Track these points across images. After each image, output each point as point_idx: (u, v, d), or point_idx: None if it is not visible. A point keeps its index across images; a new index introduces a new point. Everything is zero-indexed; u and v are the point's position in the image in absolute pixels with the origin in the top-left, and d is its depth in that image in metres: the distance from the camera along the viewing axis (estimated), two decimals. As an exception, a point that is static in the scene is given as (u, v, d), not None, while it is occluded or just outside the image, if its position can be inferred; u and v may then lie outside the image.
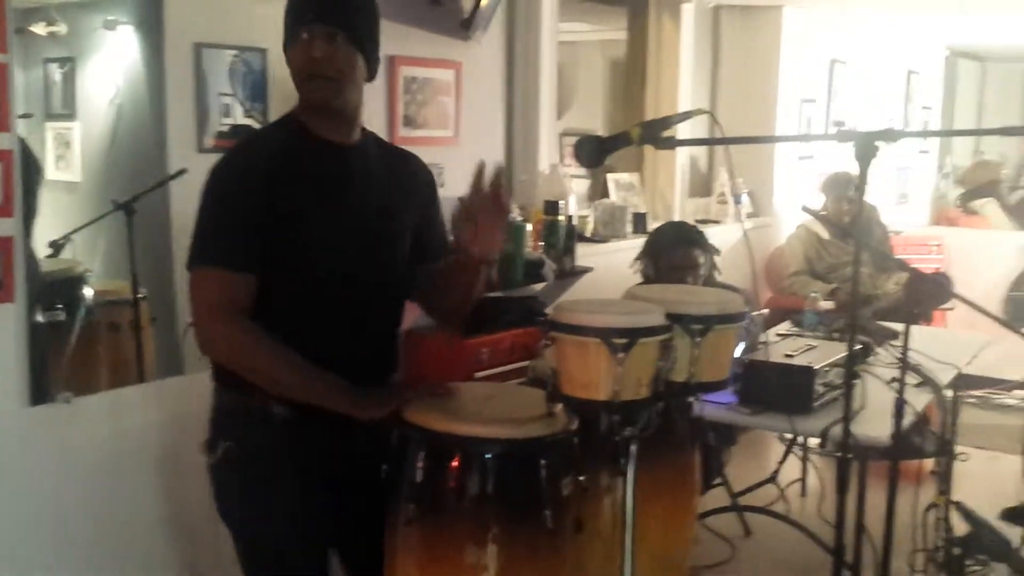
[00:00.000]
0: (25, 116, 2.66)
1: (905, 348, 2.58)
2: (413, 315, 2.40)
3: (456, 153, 3.79)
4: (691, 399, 2.26)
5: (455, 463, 1.83)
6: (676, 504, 2.25)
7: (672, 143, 2.09)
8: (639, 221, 4.77)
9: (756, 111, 5.77)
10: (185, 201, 1.93)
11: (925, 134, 7.78)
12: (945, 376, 3.33)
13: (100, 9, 3.08)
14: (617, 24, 5.62)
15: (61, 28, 3.03)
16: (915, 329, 3.30)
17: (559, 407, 1.95)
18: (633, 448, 1.96)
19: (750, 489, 4.17)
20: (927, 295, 3.15)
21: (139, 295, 3.05)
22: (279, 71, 2.00)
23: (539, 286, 3.70)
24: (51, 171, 3.11)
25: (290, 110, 2.05)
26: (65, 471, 2.59)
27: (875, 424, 2.70)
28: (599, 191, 5.11)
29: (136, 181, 3.02)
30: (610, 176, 5.06)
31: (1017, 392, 5.43)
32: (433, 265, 2.19)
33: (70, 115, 3.14)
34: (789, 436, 4.12)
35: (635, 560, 1.98)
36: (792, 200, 5.80)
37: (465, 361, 3.03)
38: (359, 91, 2.02)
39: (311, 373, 1.92)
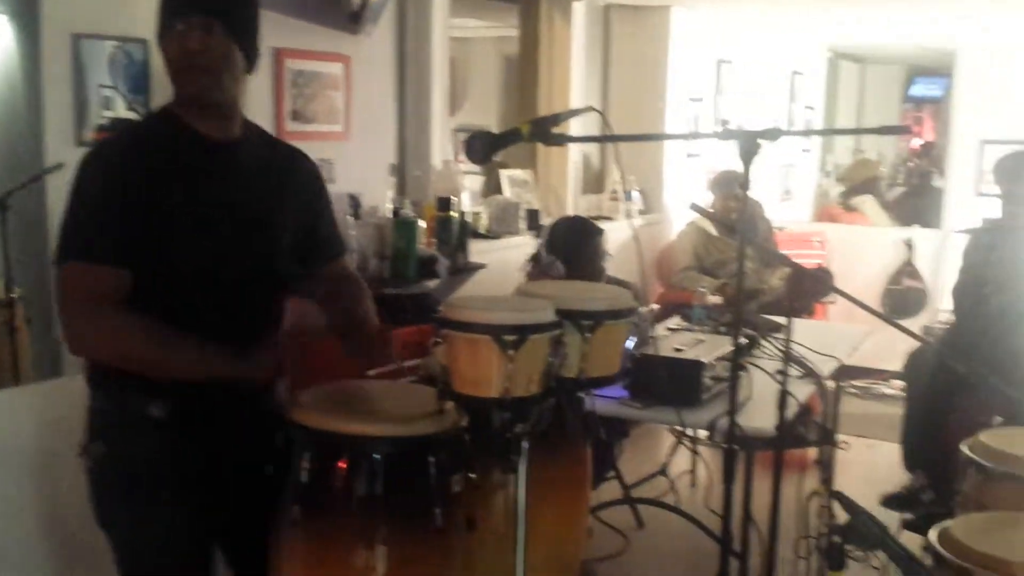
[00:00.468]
0: None
1: (788, 341, 2.64)
2: (300, 312, 2.36)
3: (346, 148, 3.74)
4: (582, 394, 2.28)
5: (342, 463, 1.81)
6: (568, 499, 2.27)
7: (562, 139, 2.10)
8: (532, 217, 4.79)
9: (646, 109, 5.86)
10: (62, 197, 1.86)
11: (806, 133, 8.03)
12: (827, 367, 3.43)
13: (-29, -3, 2.95)
14: (509, 21, 5.63)
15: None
16: (798, 322, 3.40)
17: (450, 404, 1.95)
18: (524, 444, 1.96)
19: (642, 481, 4.23)
20: (808, 289, 3.25)
21: (13, 295, 2.94)
22: (161, 62, 1.94)
23: (432, 283, 3.68)
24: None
25: (166, 103, 1.99)
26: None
27: (760, 415, 2.76)
28: (492, 187, 5.11)
29: (10, 176, 2.91)
30: (503, 172, 5.07)
31: (895, 382, 5.65)
32: (328, 270, 2.18)
33: (-60, 107, 3.00)
34: (679, 428, 4.20)
35: (527, 556, 1.99)
36: (682, 197, 5.91)
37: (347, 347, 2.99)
38: (238, 84, 1.97)
39: (188, 344, 1.88)
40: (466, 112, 6.70)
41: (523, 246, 3.93)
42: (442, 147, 4.40)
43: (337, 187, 3.64)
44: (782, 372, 2.60)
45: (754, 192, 6.13)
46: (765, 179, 7.05)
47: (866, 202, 7.88)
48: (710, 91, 6.43)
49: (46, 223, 2.83)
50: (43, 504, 2.72)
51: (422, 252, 3.70)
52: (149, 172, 1.88)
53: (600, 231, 3.79)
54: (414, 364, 2.33)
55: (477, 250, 4.10)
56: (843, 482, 2.99)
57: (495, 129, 2.51)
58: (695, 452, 4.47)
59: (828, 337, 3.76)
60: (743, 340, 3.30)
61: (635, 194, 5.67)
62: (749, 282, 5.23)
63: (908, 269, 6.56)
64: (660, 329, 3.62)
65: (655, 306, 3.85)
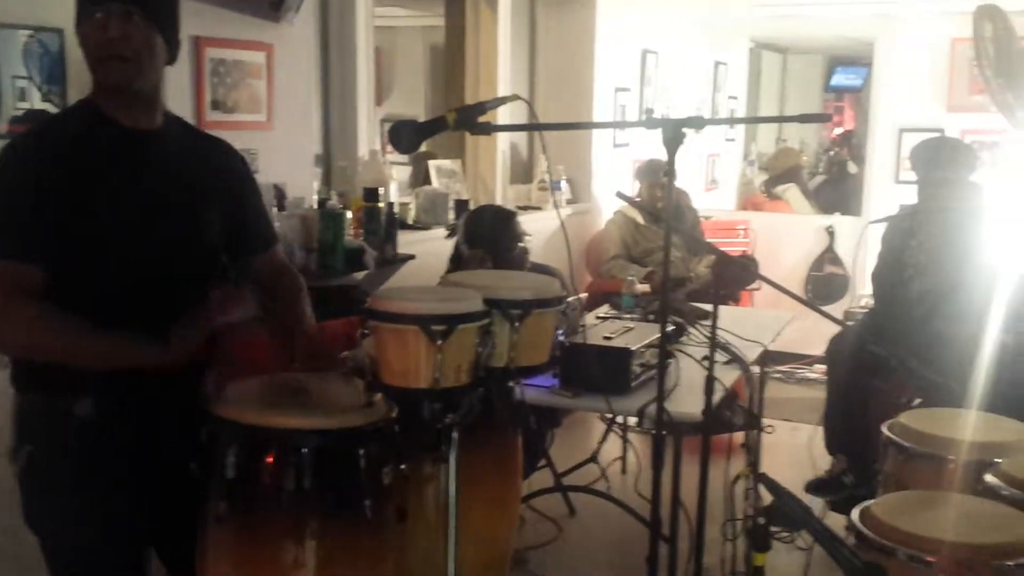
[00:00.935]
0: None
1: (714, 327, 2.68)
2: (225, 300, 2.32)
3: (270, 138, 3.68)
4: (512, 383, 2.28)
5: (269, 457, 1.78)
6: (499, 488, 2.27)
7: (488, 128, 2.10)
8: (461, 208, 4.77)
9: (573, 98, 5.88)
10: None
11: (729, 121, 8.14)
12: (752, 353, 3.49)
13: None
14: (436, 10, 5.60)
15: None
16: (724, 309, 3.45)
17: (379, 396, 1.93)
18: (455, 435, 1.96)
19: (573, 469, 4.26)
20: (734, 277, 3.29)
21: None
22: (77, 52, 1.89)
23: (360, 274, 3.65)
24: None
25: (86, 95, 1.95)
26: None
27: (688, 401, 2.80)
28: (421, 178, 5.08)
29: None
30: (432, 163, 5.05)
31: (817, 366, 5.77)
32: (260, 263, 2.15)
33: None
34: (609, 416, 4.23)
35: (459, 546, 1.99)
36: (609, 187, 5.94)
37: (283, 352, 2.95)
38: (159, 73, 1.94)
39: (103, 332, 1.85)
40: (393, 102, 6.65)
41: (453, 237, 3.91)
42: (369, 137, 4.36)
43: (261, 178, 3.54)
44: (709, 358, 2.63)
45: (680, 181, 6.21)
46: (691, 168, 7.13)
47: (789, 190, 8.02)
48: (636, 81, 6.48)
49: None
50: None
51: (349, 243, 3.67)
52: (68, 166, 1.84)
53: (513, 214, 3.82)
54: (343, 356, 2.31)
55: (406, 241, 4.08)
56: (769, 465, 3.04)
57: (422, 119, 2.50)
58: (625, 439, 4.51)
59: (753, 323, 3.83)
60: (671, 327, 3.36)
61: (563, 184, 5.69)
62: (676, 270, 5.30)
63: (829, 256, 6.70)
64: (589, 318, 3.65)
65: (584, 295, 3.87)
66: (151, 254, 1.93)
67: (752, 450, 3.84)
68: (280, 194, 3.62)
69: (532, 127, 3.92)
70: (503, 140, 5.45)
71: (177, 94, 3.29)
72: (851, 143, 9.67)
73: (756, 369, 3.79)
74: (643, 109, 6.60)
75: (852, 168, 8.59)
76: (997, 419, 2.72)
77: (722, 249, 3.12)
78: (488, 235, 3.64)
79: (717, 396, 2.75)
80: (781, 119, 10.08)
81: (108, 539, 1.93)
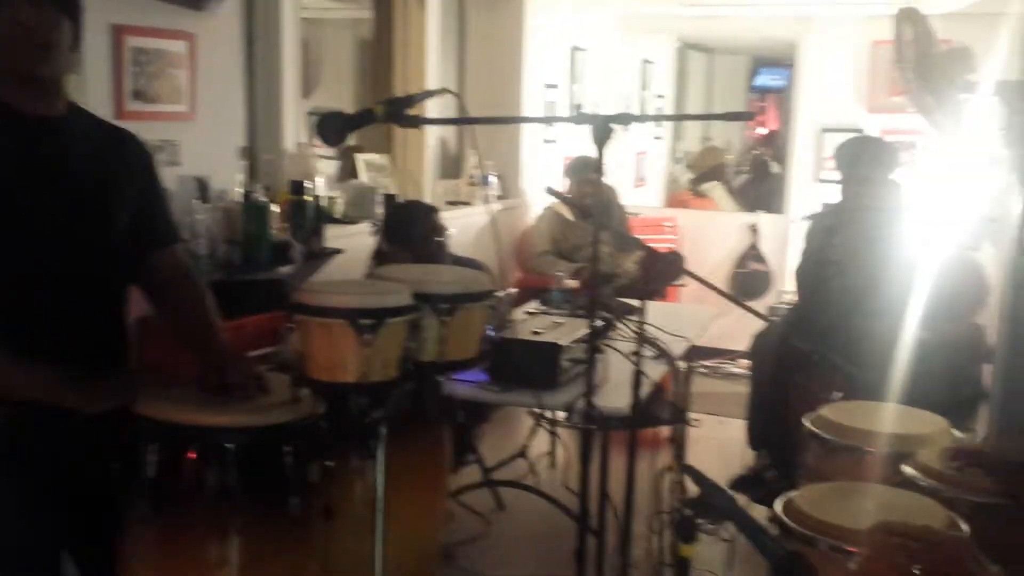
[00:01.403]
0: None
1: (642, 323, 2.70)
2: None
3: (192, 129, 3.60)
4: (441, 378, 2.27)
5: (191, 455, 1.74)
6: (427, 484, 2.26)
7: (416, 121, 2.08)
8: (389, 202, 4.73)
9: (502, 94, 5.88)
10: None
11: (656, 118, 8.23)
12: (678, 348, 3.53)
13: None
14: (364, 3, 5.54)
15: None
16: (651, 305, 3.48)
17: (305, 392, 1.90)
18: (382, 430, 1.94)
19: (502, 464, 4.26)
20: (661, 272, 3.33)
21: None
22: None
23: (286, 269, 3.59)
24: None
25: None
26: None
27: (616, 396, 2.81)
28: (348, 172, 5.03)
29: None
30: (359, 156, 4.99)
31: (742, 361, 5.86)
32: (160, 260, 2.09)
33: None
34: (538, 411, 4.24)
35: (386, 542, 1.97)
36: (539, 183, 5.96)
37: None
38: (67, 60, 1.88)
39: (19, 368, 1.78)
40: (320, 95, 6.54)
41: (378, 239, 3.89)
42: (295, 130, 4.29)
43: (183, 170, 3.50)
44: (636, 353, 2.65)
45: (609, 178, 6.25)
46: (619, 166, 7.19)
47: (714, 188, 8.15)
48: (565, 78, 6.50)
49: None
50: None
51: (275, 237, 3.61)
52: None
53: (431, 209, 3.82)
54: (268, 352, 2.27)
55: (333, 235, 4.03)
56: (695, 459, 3.07)
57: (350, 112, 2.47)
58: (554, 434, 4.53)
59: (679, 319, 3.87)
60: (599, 323, 3.37)
61: (493, 179, 5.69)
62: (605, 266, 5.33)
63: (753, 253, 6.81)
64: (519, 313, 3.65)
65: (513, 290, 3.87)
66: (54, 247, 1.86)
67: (678, 444, 3.89)
68: (203, 186, 3.54)
69: (461, 121, 3.92)
70: (432, 135, 5.42)
71: (96, 83, 3.20)
72: (774, 143, 9.85)
73: (682, 364, 3.83)
74: (572, 105, 6.62)
75: (775, 168, 8.75)
76: (914, 412, 2.79)
77: (649, 245, 3.15)
78: (405, 230, 3.65)
79: (644, 391, 2.77)
80: (707, 116, 10.19)
81: (21, 543, 1.87)
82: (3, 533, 1.85)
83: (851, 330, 3.74)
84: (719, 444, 4.67)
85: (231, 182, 3.79)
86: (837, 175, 4.05)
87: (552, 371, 2.97)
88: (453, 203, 5.33)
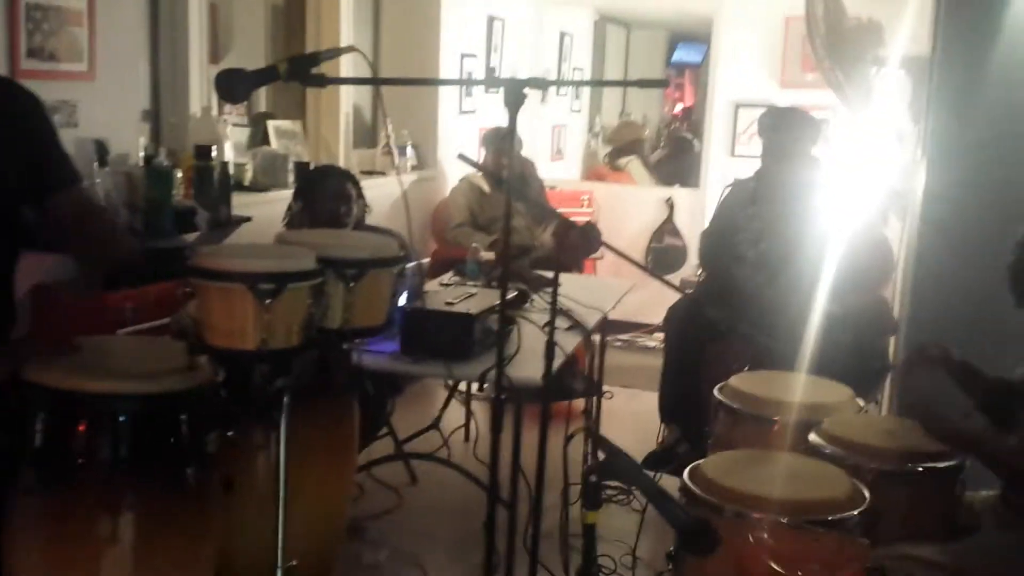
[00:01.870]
0: None
1: (555, 294, 2.67)
2: (44, 268, 2.17)
3: (91, 89, 3.45)
4: (350, 347, 2.21)
5: (81, 425, 1.66)
6: (333, 456, 2.21)
7: (322, 81, 2.01)
8: (301, 170, 4.63)
9: (419, 63, 5.78)
10: None
11: (570, 83, 8.19)
12: (593, 320, 3.52)
13: None
14: (276, -34, 5.40)
15: None
16: (567, 276, 3.47)
17: (203, 359, 1.83)
18: (286, 399, 1.89)
19: (414, 436, 4.21)
20: (576, 243, 3.30)
21: None
22: None
23: (191, 236, 3.48)
24: None
25: None
26: None
27: (529, 367, 2.79)
28: (260, 139, 4.89)
29: None
30: (271, 123, 4.87)
31: (657, 335, 5.91)
32: (63, 201, 1.97)
33: None
34: (453, 382, 4.21)
35: (289, 516, 1.91)
36: (456, 153, 5.90)
37: (106, 317, 2.79)
38: None
39: None
40: (231, 60, 6.37)
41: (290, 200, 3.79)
42: (202, 94, 4.16)
43: (80, 131, 3.35)
44: (550, 324, 2.63)
45: (527, 151, 6.22)
46: (537, 138, 7.15)
47: (631, 163, 8.17)
48: (482, 47, 6.43)
49: None
50: None
51: (179, 204, 3.49)
52: None
53: (345, 174, 3.76)
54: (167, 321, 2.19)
55: (242, 203, 3.92)
56: (609, 431, 3.07)
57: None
58: (468, 407, 4.50)
59: (594, 291, 3.86)
60: (513, 294, 3.35)
61: (409, 149, 5.61)
62: (521, 238, 5.31)
63: (669, 227, 6.86)
64: (433, 284, 3.60)
65: (425, 260, 3.82)
66: None
67: (591, 416, 3.90)
68: (102, 149, 3.40)
69: (371, 81, 3.85)
70: (346, 102, 5.31)
71: (-12, 39, 3.04)
72: (691, 119, 9.93)
73: (596, 336, 3.83)
74: (488, 74, 6.56)
75: (695, 146, 8.83)
76: (820, 382, 2.83)
77: (566, 217, 3.12)
78: (308, 187, 3.59)
79: (558, 362, 2.75)
80: (622, 83, 10.17)
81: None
82: None
83: (764, 302, 3.78)
84: (633, 416, 4.70)
85: (133, 146, 3.65)
86: (759, 143, 4.06)
87: (465, 342, 2.94)
88: (368, 173, 5.24)
